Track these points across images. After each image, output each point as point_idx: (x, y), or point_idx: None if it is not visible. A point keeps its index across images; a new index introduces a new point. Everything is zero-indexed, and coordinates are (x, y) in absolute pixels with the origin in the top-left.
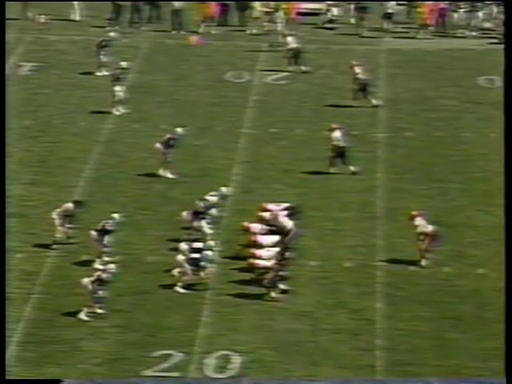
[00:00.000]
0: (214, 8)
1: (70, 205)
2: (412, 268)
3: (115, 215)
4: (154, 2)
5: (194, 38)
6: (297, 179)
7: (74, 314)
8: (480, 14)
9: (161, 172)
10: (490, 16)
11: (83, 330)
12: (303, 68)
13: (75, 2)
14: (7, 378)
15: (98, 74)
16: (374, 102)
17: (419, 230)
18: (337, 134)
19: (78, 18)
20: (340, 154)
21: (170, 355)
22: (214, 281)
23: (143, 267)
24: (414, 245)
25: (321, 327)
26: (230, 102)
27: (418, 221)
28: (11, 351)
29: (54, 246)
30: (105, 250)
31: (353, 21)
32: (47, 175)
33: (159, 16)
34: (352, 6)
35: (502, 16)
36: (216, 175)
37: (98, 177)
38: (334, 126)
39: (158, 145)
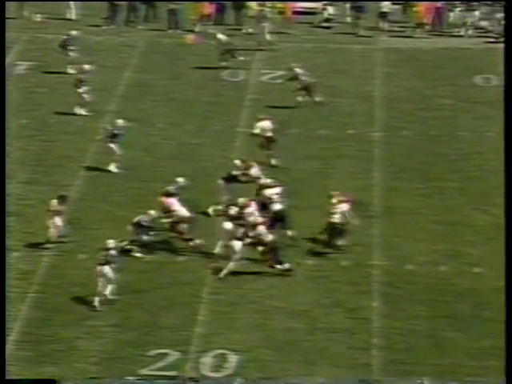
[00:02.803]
0: (209, 7)
1: (54, 201)
2: (409, 267)
3: (151, 212)
4: (150, 1)
5: (190, 37)
6: (294, 178)
7: (71, 312)
8: (476, 12)
9: (111, 167)
10: (486, 15)
11: (80, 329)
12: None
13: (71, 2)
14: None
15: (68, 71)
16: (318, 99)
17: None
18: (265, 124)
19: (74, 17)
20: (267, 144)
21: (166, 354)
22: (211, 279)
23: (139, 266)
24: (411, 244)
25: (317, 326)
26: (226, 100)
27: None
28: (8, 350)
29: (47, 245)
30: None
31: (349, 20)
32: (44, 174)
33: (155, 15)
34: (348, 5)
35: (497, 15)
36: (212, 174)
37: (94, 176)
38: (262, 116)
39: (104, 139)
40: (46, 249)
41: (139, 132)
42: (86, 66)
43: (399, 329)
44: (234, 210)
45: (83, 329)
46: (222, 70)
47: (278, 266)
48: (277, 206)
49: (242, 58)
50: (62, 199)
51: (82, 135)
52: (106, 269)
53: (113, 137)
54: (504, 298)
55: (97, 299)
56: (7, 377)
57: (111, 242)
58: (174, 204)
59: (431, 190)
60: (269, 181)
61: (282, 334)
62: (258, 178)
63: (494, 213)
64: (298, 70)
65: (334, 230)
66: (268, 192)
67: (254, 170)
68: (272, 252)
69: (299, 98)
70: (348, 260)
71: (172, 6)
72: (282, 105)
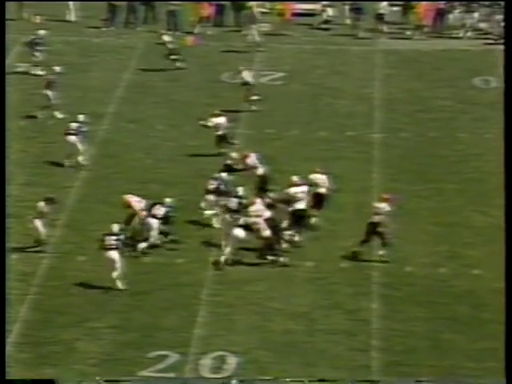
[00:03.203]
0: (209, 8)
1: (41, 203)
2: (408, 268)
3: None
4: (150, 3)
5: (189, 39)
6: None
7: (70, 314)
8: (475, 14)
9: (80, 159)
10: (485, 16)
11: (79, 331)
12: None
13: (70, 3)
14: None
15: (33, 72)
16: (255, 97)
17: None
18: (219, 120)
19: (73, 18)
20: (221, 138)
21: (165, 356)
22: (210, 281)
23: (139, 267)
24: (410, 245)
25: (316, 328)
26: (225, 102)
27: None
28: (7, 352)
29: (46, 247)
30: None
31: (348, 21)
32: (43, 176)
33: (155, 16)
34: (347, 7)
35: (497, 17)
36: (212, 176)
37: (93, 178)
38: (217, 112)
39: (70, 137)
40: (41, 252)
41: (138, 133)
42: (57, 68)
43: (398, 330)
44: (234, 203)
45: (82, 330)
46: (222, 72)
47: (269, 257)
48: (299, 205)
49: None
50: (49, 201)
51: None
52: (113, 254)
53: (76, 133)
54: (504, 299)
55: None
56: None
57: (115, 227)
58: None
59: (430, 192)
60: (294, 179)
61: (281, 335)
62: (255, 167)
63: (493, 214)
64: (245, 73)
65: (374, 231)
66: (293, 190)
67: (251, 160)
68: (267, 246)
69: (254, 97)
70: (347, 261)
71: (171, 7)
72: (282, 106)
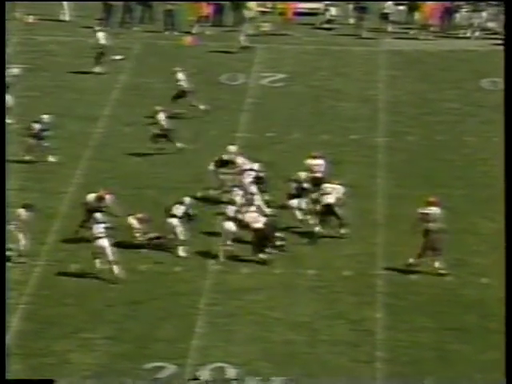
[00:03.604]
0: (207, 8)
1: (21, 210)
2: (413, 277)
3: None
4: (146, 2)
5: (187, 39)
6: None
7: (63, 325)
8: (483, 13)
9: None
10: (493, 16)
11: (72, 342)
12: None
13: (64, 2)
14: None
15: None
16: (202, 107)
17: None
18: (161, 116)
19: (67, 18)
20: (163, 135)
21: (162, 367)
22: (208, 290)
23: (135, 276)
24: (415, 252)
25: (319, 338)
26: (224, 104)
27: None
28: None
29: (38, 256)
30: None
31: (352, 21)
32: (36, 181)
33: (151, 16)
34: (351, 6)
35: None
36: (209, 181)
37: (88, 183)
38: (158, 108)
39: (31, 140)
40: (33, 259)
41: (134, 137)
42: (14, 70)
43: (404, 341)
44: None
45: (76, 341)
46: (221, 74)
47: (260, 255)
48: (328, 200)
49: (117, 57)
50: (28, 208)
51: (76, 141)
52: (103, 242)
53: (38, 133)
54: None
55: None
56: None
57: (98, 216)
58: None
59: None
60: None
61: (282, 346)
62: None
63: (501, 221)
64: (180, 75)
65: (429, 238)
66: (324, 185)
67: (241, 160)
68: (259, 240)
69: (201, 107)
70: (350, 270)
71: (169, 6)
72: (283, 109)
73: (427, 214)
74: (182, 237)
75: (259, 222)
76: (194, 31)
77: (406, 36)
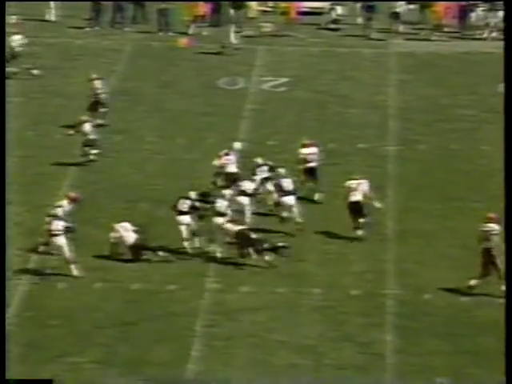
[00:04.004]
0: (204, 7)
1: None
2: (426, 296)
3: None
4: (139, 1)
5: (182, 40)
6: (298, 198)
7: (49, 348)
8: (500, 13)
9: None
10: None
11: (58, 366)
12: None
13: (51, 1)
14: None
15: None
16: (101, 122)
17: None
18: (86, 126)
19: (53, 18)
20: (89, 145)
21: None
22: (205, 310)
23: (125, 295)
24: (429, 271)
25: (324, 362)
26: (223, 111)
27: None
28: None
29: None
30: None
31: (359, 21)
32: (19, 193)
33: (144, 16)
34: (359, 5)
35: None
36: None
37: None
38: (83, 118)
39: None
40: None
41: (126, 146)
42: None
43: (415, 365)
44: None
45: (62, 366)
46: (219, 78)
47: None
48: (355, 197)
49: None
50: None
51: (63, 150)
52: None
53: None
54: None
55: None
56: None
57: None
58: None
59: (451, 211)
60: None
61: (285, 371)
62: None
63: None
64: (97, 83)
65: (489, 257)
66: (349, 182)
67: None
68: (240, 242)
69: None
70: (358, 289)
71: (163, 5)
72: (286, 116)
73: (487, 231)
74: (188, 234)
75: (238, 226)
76: (189, 32)
77: (418, 37)
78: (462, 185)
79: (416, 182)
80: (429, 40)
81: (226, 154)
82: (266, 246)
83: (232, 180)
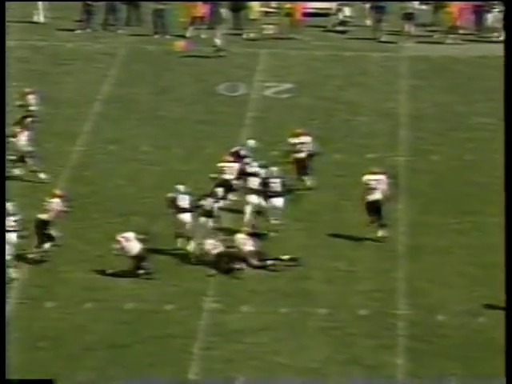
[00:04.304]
0: (203, 7)
1: None
2: (439, 317)
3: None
4: (133, 1)
5: (179, 44)
6: (303, 211)
7: (36, 372)
8: None
9: None
10: None
11: None
12: None
13: (39, 2)
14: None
15: None
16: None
17: None
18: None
19: (42, 19)
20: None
21: None
22: (203, 332)
23: (118, 315)
24: (442, 289)
25: None
26: (222, 119)
27: None
28: None
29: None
30: None
31: (368, 23)
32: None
33: (139, 17)
34: (368, 6)
35: None
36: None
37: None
38: (17, 129)
39: None
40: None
41: (119, 156)
42: None
43: None
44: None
45: None
46: (219, 83)
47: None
48: (375, 196)
49: None
50: None
51: (52, 161)
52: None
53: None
54: None
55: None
56: None
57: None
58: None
59: (466, 226)
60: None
61: None
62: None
63: None
64: (31, 97)
65: None
66: (366, 178)
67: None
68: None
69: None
70: (367, 308)
71: (159, 6)
72: (290, 124)
73: None
74: (192, 233)
75: (217, 248)
76: (187, 34)
77: (431, 40)
78: (478, 198)
79: (429, 195)
80: (443, 43)
81: (236, 153)
82: (268, 261)
83: (226, 188)
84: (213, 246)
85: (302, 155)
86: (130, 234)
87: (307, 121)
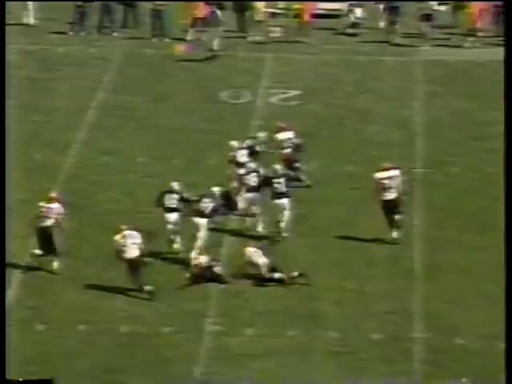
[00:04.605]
0: (205, 8)
1: None
2: (459, 341)
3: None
4: (129, 1)
5: (179, 47)
6: (312, 227)
7: None
8: None
9: None
10: None
11: None
12: None
13: (29, 2)
14: None
15: None
16: None
17: None
18: None
19: (32, 21)
20: None
21: None
22: (205, 356)
23: (113, 338)
24: (462, 311)
25: None
26: (225, 128)
27: None
28: None
29: None
30: None
31: (382, 24)
32: None
33: (136, 19)
34: (381, 6)
35: None
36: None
37: None
38: None
39: None
40: None
41: (114, 168)
42: None
43: None
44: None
45: None
46: (221, 90)
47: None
48: (390, 195)
49: None
50: None
51: (43, 173)
52: None
53: None
54: None
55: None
56: None
57: None
58: None
59: (487, 243)
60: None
61: None
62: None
63: None
64: None
65: None
66: (379, 175)
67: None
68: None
69: None
70: (381, 332)
71: (157, 7)
72: (297, 133)
73: None
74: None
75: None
76: (188, 37)
77: (449, 43)
78: (500, 213)
79: (447, 210)
80: (461, 46)
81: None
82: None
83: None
84: (207, 262)
85: (289, 150)
86: (135, 233)
87: (316, 130)
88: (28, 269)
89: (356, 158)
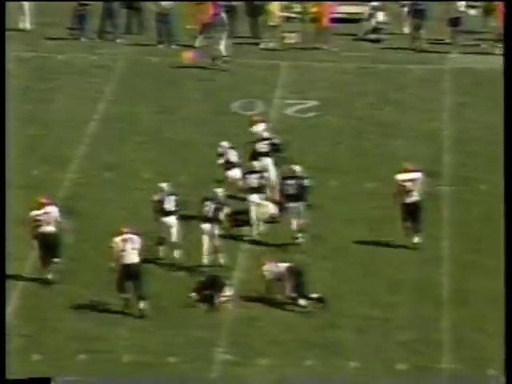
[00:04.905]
0: (211, 9)
1: None
2: (490, 372)
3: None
4: (134, 3)
5: (187, 54)
6: (329, 248)
7: None
8: None
9: None
10: None
11: None
12: None
13: (25, 4)
14: None
15: None
16: None
17: None
18: None
19: (28, 26)
20: None
21: None
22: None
23: (115, 368)
24: (493, 340)
25: None
26: (237, 141)
27: None
28: None
29: None
30: None
31: (406, 30)
32: None
33: (141, 23)
34: (405, 9)
35: None
36: None
37: None
38: None
39: None
40: None
41: (118, 184)
42: None
43: None
44: None
45: None
46: (233, 101)
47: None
48: (412, 198)
49: None
50: None
51: (41, 189)
52: None
53: None
54: None
55: None
56: None
57: None
58: None
59: None
60: None
61: None
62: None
63: None
64: None
65: None
66: (400, 177)
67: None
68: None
69: None
70: (406, 362)
71: (163, 10)
72: (315, 147)
73: None
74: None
75: None
76: (196, 44)
77: (479, 50)
78: None
79: (477, 231)
80: (492, 53)
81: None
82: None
83: None
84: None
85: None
86: (136, 238)
87: (334, 144)
88: (24, 293)
89: (378, 174)
